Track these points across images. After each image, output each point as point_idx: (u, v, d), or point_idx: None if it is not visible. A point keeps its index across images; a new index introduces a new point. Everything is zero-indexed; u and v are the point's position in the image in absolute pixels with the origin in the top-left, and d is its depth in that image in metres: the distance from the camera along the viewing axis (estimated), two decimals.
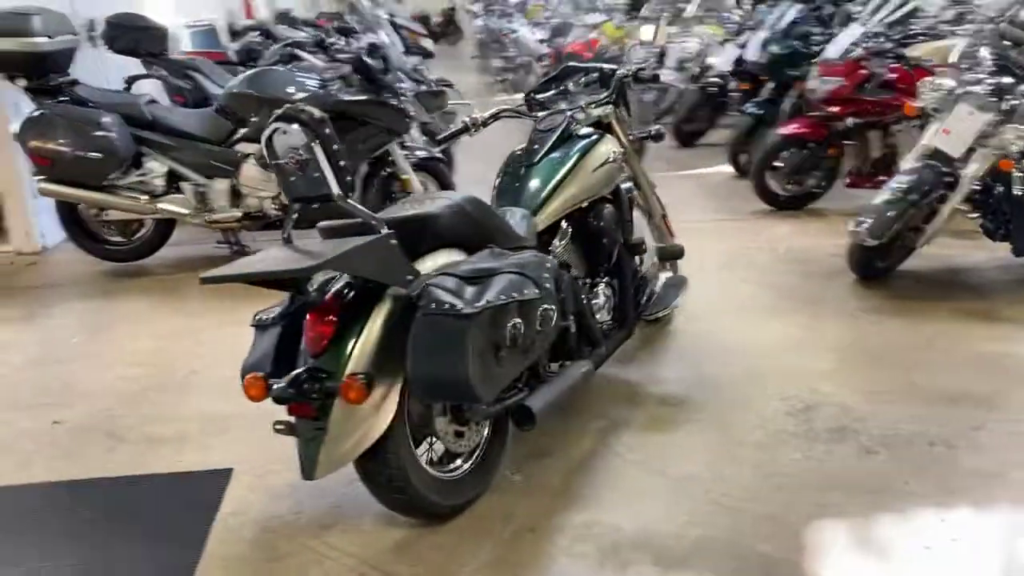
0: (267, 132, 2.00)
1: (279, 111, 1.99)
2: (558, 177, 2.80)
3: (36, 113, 4.06)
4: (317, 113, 1.96)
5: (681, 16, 9.28)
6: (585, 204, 2.89)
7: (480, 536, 2.27)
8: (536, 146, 2.91)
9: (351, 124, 4.22)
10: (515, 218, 2.66)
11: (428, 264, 2.14)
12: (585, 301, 2.80)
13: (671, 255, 3.29)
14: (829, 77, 4.96)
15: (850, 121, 4.96)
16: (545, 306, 2.11)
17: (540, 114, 3.06)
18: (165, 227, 4.54)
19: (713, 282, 4.12)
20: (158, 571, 2.19)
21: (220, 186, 4.30)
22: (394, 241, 1.99)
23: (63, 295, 4.38)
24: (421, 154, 4.58)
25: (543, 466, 2.60)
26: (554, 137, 2.92)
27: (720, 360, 3.26)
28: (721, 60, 7.15)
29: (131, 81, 5.21)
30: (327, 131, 1.95)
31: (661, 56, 8.79)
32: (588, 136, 2.97)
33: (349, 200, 2.00)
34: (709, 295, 3.90)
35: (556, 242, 2.77)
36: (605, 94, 3.15)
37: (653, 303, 3.13)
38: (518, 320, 2.02)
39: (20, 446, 2.86)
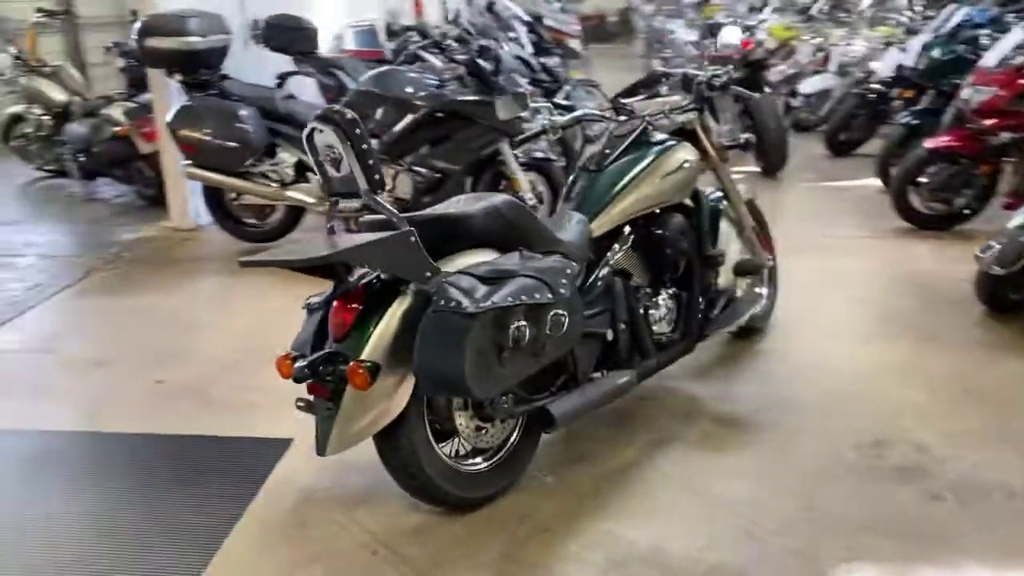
0: (306, 131, 2.14)
1: (320, 113, 2.12)
2: (620, 183, 2.77)
3: (184, 105, 4.51)
4: (349, 114, 2.07)
5: (851, 17, 8.76)
6: (655, 211, 2.84)
7: (495, 530, 2.31)
8: (607, 151, 2.89)
9: (463, 123, 4.36)
10: (569, 223, 2.67)
11: (455, 263, 2.19)
12: (643, 311, 2.76)
13: (746, 270, 3.15)
14: (984, 86, 4.51)
15: (1006, 136, 4.49)
16: (557, 311, 2.11)
17: (620, 119, 3.04)
18: (295, 213, 4.89)
19: (823, 301, 3.89)
20: (202, 523, 2.40)
21: None
22: (414, 238, 2.07)
23: (203, 269, 4.84)
24: (537, 155, 4.64)
25: (578, 471, 2.59)
26: (627, 142, 2.89)
27: (800, 382, 3.09)
28: (883, 65, 6.67)
29: (283, 77, 5.63)
30: (357, 131, 2.06)
31: (825, 59, 8.35)
32: (662, 142, 2.91)
33: (376, 197, 2.10)
34: (814, 314, 3.71)
35: (616, 248, 2.75)
36: (688, 100, 3.07)
37: (715, 321, 3.02)
38: (523, 323, 2.04)
39: (123, 399, 3.22)
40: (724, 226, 3.22)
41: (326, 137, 2.09)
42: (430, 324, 2.00)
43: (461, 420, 2.31)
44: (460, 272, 2.11)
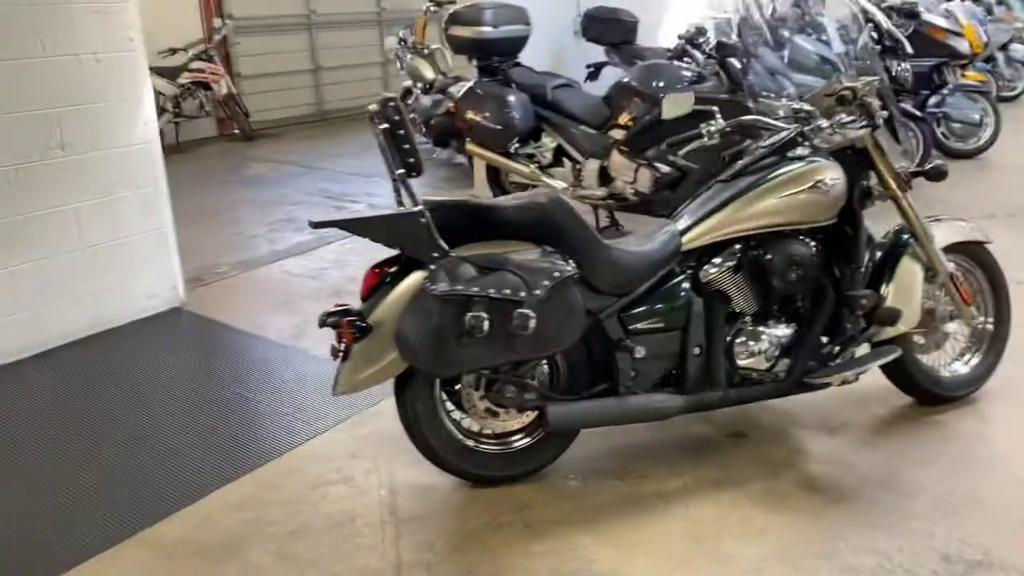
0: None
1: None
2: (724, 196, 2.55)
3: (468, 88, 5.06)
4: (391, 99, 2.29)
5: None
6: (780, 231, 2.55)
7: (485, 509, 2.42)
8: (741, 160, 2.66)
9: (704, 116, 4.20)
10: (659, 232, 2.55)
11: (476, 249, 2.29)
12: (730, 338, 2.53)
13: (882, 318, 2.62)
14: None
15: None
16: (523, 311, 2.09)
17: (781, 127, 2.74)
18: None
19: None
20: (282, 433, 2.90)
21: (592, 166, 4.75)
22: (424, 219, 2.23)
23: None
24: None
25: (607, 485, 2.53)
26: (761, 152, 2.63)
27: (945, 467, 2.53)
28: None
29: (594, 68, 5.92)
30: (395, 116, 2.27)
31: None
32: (803, 157, 2.58)
33: (405, 180, 2.29)
34: None
35: (710, 266, 2.55)
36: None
37: (826, 369, 2.58)
38: (483, 314, 2.08)
39: (301, 325, 3.88)
40: (911, 268, 2.73)
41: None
42: (414, 297, 2.17)
43: (473, 399, 2.43)
44: (466, 257, 2.22)
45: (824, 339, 2.66)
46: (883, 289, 2.71)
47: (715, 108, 2.82)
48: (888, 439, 2.72)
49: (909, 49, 6.04)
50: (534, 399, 2.39)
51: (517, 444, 2.51)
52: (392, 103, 2.31)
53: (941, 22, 7.14)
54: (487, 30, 5.01)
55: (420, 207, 2.25)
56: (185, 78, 8.23)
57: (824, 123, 2.66)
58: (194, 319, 4.05)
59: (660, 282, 2.52)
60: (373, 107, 2.31)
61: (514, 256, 2.22)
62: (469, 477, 2.50)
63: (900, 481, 2.48)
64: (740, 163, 2.67)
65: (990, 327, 2.97)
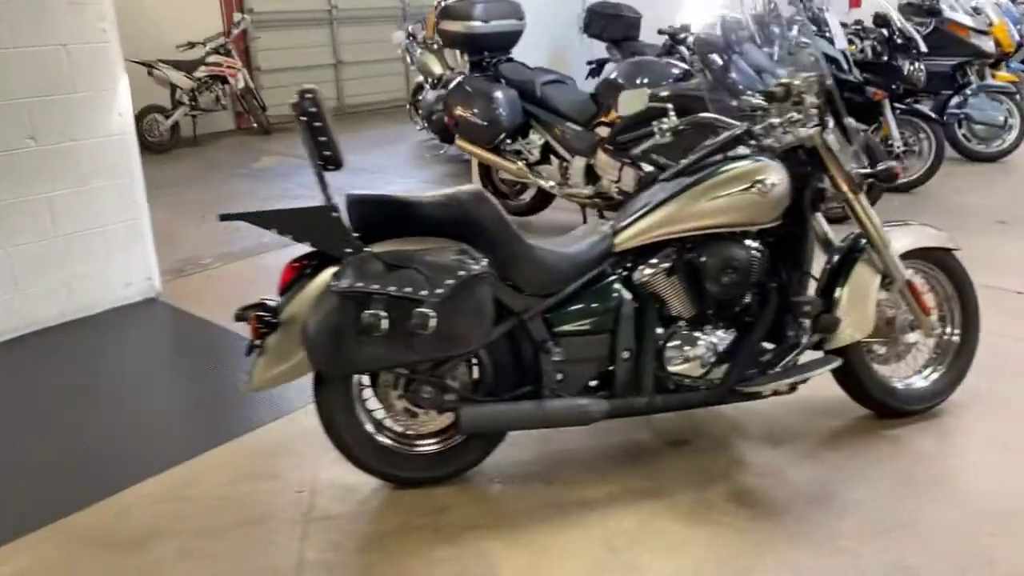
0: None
1: None
2: (661, 196, 2.47)
3: (456, 83, 5.00)
4: (309, 91, 2.25)
5: None
6: (719, 232, 2.45)
7: (398, 512, 2.38)
8: (684, 160, 2.57)
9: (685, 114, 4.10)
10: (592, 232, 2.48)
11: (393, 246, 2.24)
12: (661, 343, 2.44)
13: (823, 326, 2.50)
14: None
15: None
16: (423, 310, 2.03)
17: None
18: (545, 193, 5.11)
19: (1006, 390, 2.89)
20: (221, 426, 2.89)
21: (578, 164, 4.66)
22: (335, 214, 2.18)
23: None
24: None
25: (531, 491, 2.46)
26: (705, 151, 2.54)
27: (887, 485, 2.42)
28: None
29: (595, 64, 5.83)
30: (312, 108, 2.23)
31: None
32: (743, 157, 2.47)
33: (322, 173, 2.25)
34: (1008, 407, 2.79)
35: (644, 269, 2.46)
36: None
37: (759, 379, 2.47)
38: (381, 312, 2.03)
39: None
40: (865, 275, 2.61)
41: None
42: (318, 295, 2.13)
43: (391, 398, 2.38)
44: (377, 254, 2.18)
45: (770, 346, 2.57)
46: (837, 294, 2.60)
47: (669, 106, 2.73)
48: (834, 452, 2.60)
49: (923, 47, 5.83)
50: (452, 400, 2.34)
51: (438, 446, 2.46)
52: (309, 95, 2.27)
53: (964, 19, 6.88)
54: (477, 24, 4.95)
55: (331, 202, 2.20)
56: (202, 72, 8.33)
57: (776, 121, 2.56)
58: (167, 310, 4.07)
59: (590, 283, 2.44)
60: (293, 99, 2.28)
61: (426, 254, 2.17)
62: (388, 478, 2.46)
63: (835, 497, 2.37)
64: (683, 162, 2.58)
65: (955, 339, 2.83)
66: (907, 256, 2.70)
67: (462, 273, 2.10)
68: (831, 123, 2.53)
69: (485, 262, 2.20)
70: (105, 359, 3.55)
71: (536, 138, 4.89)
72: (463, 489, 2.47)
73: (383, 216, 2.28)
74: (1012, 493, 2.37)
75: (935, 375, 2.83)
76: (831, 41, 4.95)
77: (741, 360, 2.47)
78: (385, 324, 2.04)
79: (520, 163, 4.90)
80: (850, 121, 2.63)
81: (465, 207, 2.29)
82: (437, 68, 7.52)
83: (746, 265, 2.45)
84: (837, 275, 2.65)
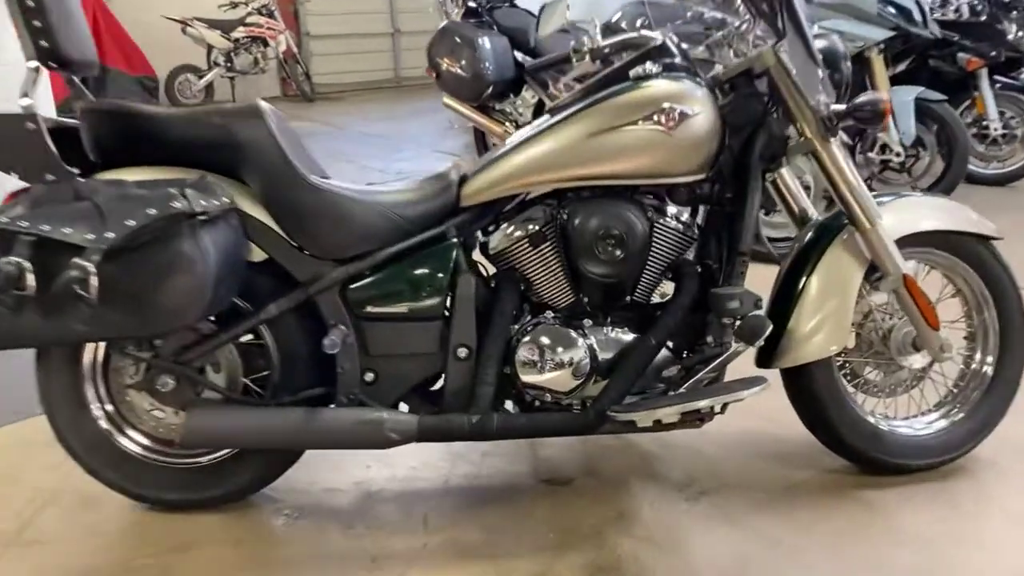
0: None
1: None
2: (523, 136, 1.72)
3: (441, 28, 4.31)
4: None
5: None
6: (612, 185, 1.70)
7: (124, 543, 1.74)
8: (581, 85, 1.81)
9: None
10: (441, 179, 1.76)
11: (119, 175, 1.59)
12: (515, 341, 1.70)
13: (743, 334, 1.67)
14: None
15: None
16: (80, 260, 1.36)
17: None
18: None
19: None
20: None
21: None
22: (33, 125, 1.54)
23: None
24: None
25: (319, 532, 1.77)
26: (607, 73, 1.77)
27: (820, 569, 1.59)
28: None
29: None
30: None
31: None
32: (647, 77, 1.69)
33: (37, 74, 1.62)
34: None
35: (501, 232, 1.74)
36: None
37: (636, 403, 1.68)
38: (23, 261, 1.37)
39: None
40: (842, 263, 1.79)
41: None
42: None
43: (125, 389, 1.74)
44: (80, 184, 1.53)
45: (685, 355, 1.78)
46: (799, 287, 1.79)
47: (594, 22, 1.97)
48: (773, 518, 1.78)
49: None
50: (198, 398, 1.68)
51: (201, 459, 1.80)
52: None
53: None
54: None
55: (29, 109, 1.57)
56: (240, 32, 7.98)
57: (718, 34, 1.77)
58: None
59: (420, 248, 1.73)
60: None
61: (132, 186, 1.50)
62: (132, 496, 1.82)
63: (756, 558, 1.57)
64: (578, 88, 1.82)
65: (987, 369, 1.95)
66: (913, 242, 1.85)
67: (152, 212, 1.41)
68: (790, 35, 1.70)
69: (221, 200, 1.53)
70: None
71: (529, 96, 4.17)
72: (232, 520, 1.80)
73: (122, 135, 1.63)
74: None
75: (949, 419, 1.95)
76: None
77: (625, 372, 1.69)
78: (31, 280, 1.39)
79: (508, 124, 4.18)
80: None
81: (225, 126, 1.61)
82: None
83: (639, 235, 1.67)
84: (803, 262, 1.83)
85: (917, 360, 1.90)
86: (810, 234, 1.86)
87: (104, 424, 1.76)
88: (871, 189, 4.22)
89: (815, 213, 1.93)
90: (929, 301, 1.82)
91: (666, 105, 1.63)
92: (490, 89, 4.13)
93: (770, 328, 1.67)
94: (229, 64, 7.99)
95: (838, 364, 1.90)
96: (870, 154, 4.06)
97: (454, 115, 4.60)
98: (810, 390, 1.84)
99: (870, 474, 1.91)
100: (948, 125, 3.97)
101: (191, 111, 1.65)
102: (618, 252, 1.66)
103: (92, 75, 1.75)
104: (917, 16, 3.91)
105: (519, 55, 4.15)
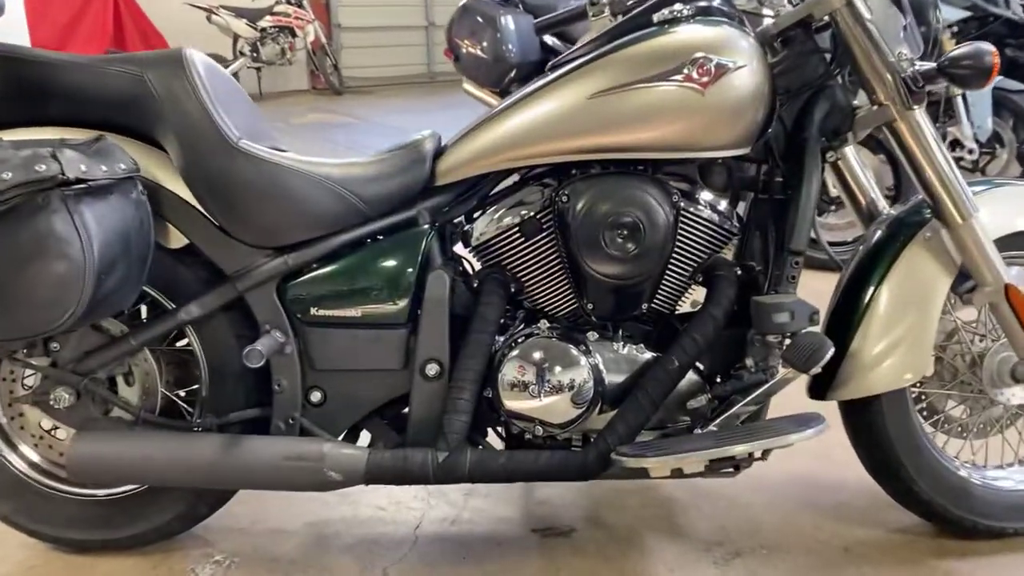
0: None
1: None
2: (516, 98, 1.35)
3: (462, 5, 3.95)
4: None
5: None
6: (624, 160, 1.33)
7: None
8: (583, 41, 1.44)
9: None
10: (402, 149, 1.40)
11: (16, 134, 1.27)
12: (500, 356, 1.33)
13: (797, 354, 1.27)
14: None
15: None
16: None
17: None
18: None
19: None
20: None
21: None
22: None
23: None
24: None
25: (259, 573, 1.42)
26: (632, 18, 1.39)
27: None
28: None
29: None
30: None
31: None
32: (675, 20, 1.30)
33: None
34: None
35: (487, 218, 1.37)
36: None
37: (645, 446, 1.29)
38: None
39: None
40: (923, 268, 1.39)
41: None
42: None
43: (17, 402, 1.42)
44: None
45: (718, 382, 1.39)
46: (865, 298, 1.39)
47: None
48: None
49: None
50: (96, 417, 1.34)
51: (113, 491, 1.46)
52: None
53: None
54: None
55: None
56: (267, 21, 7.73)
57: None
58: None
59: (378, 236, 1.37)
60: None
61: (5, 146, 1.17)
62: (26, 531, 1.48)
63: None
64: (586, 39, 1.44)
65: None
66: (1015, 244, 1.44)
67: (7, 176, 1.07)
68: None
69: (115, 167, 1.19)
70: None
71: None
72: (149, 567, 1.46)
73: (16, 85, 1.30)
74: None
75: None
76: None
77: (639, 402, 1.31)
78: None
79: None
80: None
81: (137, 75, 1.28)
82: None
83: (659, 226, 1.29)
84: (871, 267, 1.43)
85: (1017, 394, 1.49)
86: (881, 231, 1.46)
87: None
88: None
89: (886, 207, 1.54)
90: None
91: (699, 55, 1.25)
92: (513, 72, 3.76)
93: (831, 350, 1.27)
94: (255, 54, 7.74)
95: (913, 397, 1.51)
96: None
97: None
98: (877, 429, 1.44)
99: (953, 537, 1.50)
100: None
101: (99, 57, 1.32)
102: (631, 246, 1.28)
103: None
104: None
105: (547, 37, 3.78)
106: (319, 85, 8.69)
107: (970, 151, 3.51)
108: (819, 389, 1.43)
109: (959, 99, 3.49)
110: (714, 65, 1.24)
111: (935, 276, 1.41)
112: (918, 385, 1.51)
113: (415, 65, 9.51)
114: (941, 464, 1.48)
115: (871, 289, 1.41)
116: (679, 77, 1.25)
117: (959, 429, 1.55)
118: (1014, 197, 1.49)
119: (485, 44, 3.79)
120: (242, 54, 7.68)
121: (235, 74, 7.67)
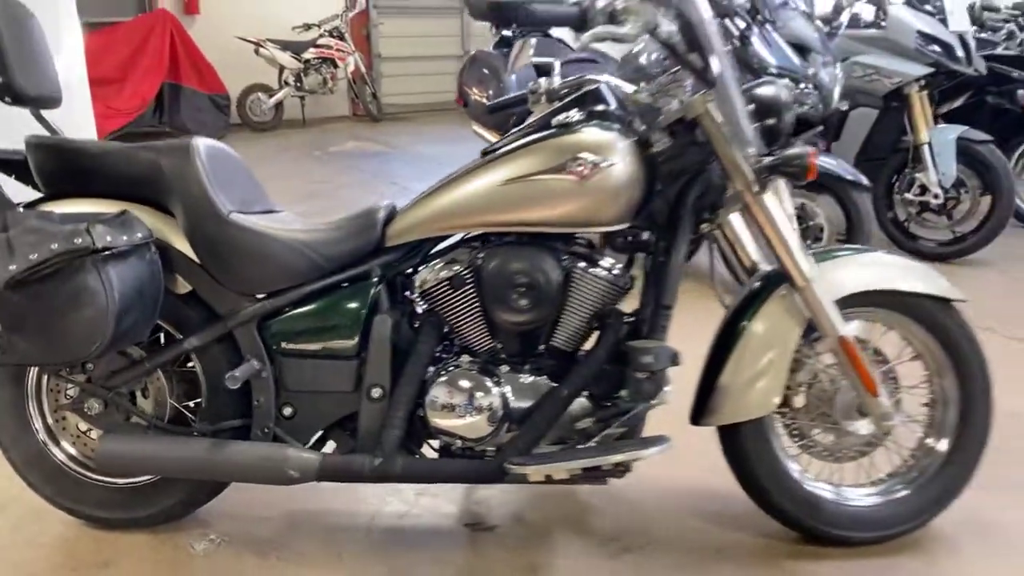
0: None
1: None
2: (453, 175, 1.72)
3: (468, 58, 4.34)
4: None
5: None
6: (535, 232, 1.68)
7: (40, 557, 1.80)
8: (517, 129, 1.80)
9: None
10: (357, 216, 1.78)
11: (60, 206, 1.68)
12: (428, 381, 1.70)
13: (643, 389, 1.60)
14: None
15: None
16: None
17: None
18: None
19: None
20: None
21: None
22: None
23: None
24: (827, 164, 3.15)
25: (238, 559, 1.80)
26: (540, 119, 1.76)
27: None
28: None
29: None
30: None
31: None
32: (568, 125, 1.66)
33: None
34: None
35: (427, 272, 1.73)
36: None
37: (529, 457, 1.63)
38: None
39: None
40: (777, 320, 1.72)
41: None
42: None
43: (60, 409, 1.83)
44: (21, 215, 1.61)
45: (605, 405, 1.73)
46: (735, 341, 1.72)
47: (554, 62, 1.97)
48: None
49: None
50: (121, 423, 1.74)
51: (117, 480, 1.86)
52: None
53: None
54: None
55: None
56: (310, 53, 8.26)
57: (658, 80, 1.74)
58: None
59: (336, 287, 1.75)
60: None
61: (53, 218, 1.58)
62: (68, 511, 1.89)
63: None
64: (514, 131, 1.80)
65: (941, 447, 1.82)
66: (863, 301, 1.75)
67: (54, 247, 1.48)
68: (720, 83, 1.64)
69: (135, 235, 1.59)
70: None
71: None
72: (158, 542, 1.85)
73: (63, 168, 1.73)
74: None
75: (898, 491, 1.83)
76: (943, 21, 3.78)
77: (535, 422, 1.66)
78: None
79: None
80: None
81: (154, 161, 1.68)
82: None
83: (549, 284, 1.64)
84: (741, 314, 1.76)
85: (863, 426, 1.79)
86: (753, 286, 1.79)
87: (42, 441, 1.85)
88: (907, 232, 3.97)
89: (766, 266, 1.86)
90: (868, 366, 1.72)
91: (581, 155, 1.60)
92: (514, 118, 4.14)
93: (664, 390, 1.61)
94: (299, 84, 8.28)
95: (785, 423, 1.83)
96: (907, 195, 3.87)
97: None
98: (741, 448, 1.77)
99: (810, 543, 1.81)
100: (992, 168, 3.74)
101: (126, 147, 1.72)
102: (525, 301, 1.63)
103: (55, 108, 1.85)
104: (959, 52, 3.70)
105: None
106: (359, 112, 9.20)
107: (935, 196, 3.77)
108: (697, 416, 1.76)
109: (926, 148, 3.76)
110: (590, 163, 1.59)
111: (788, 326, 1.72)
112: (787, 414, 1.83)
113: (450, 93, 9.94)
114: (795, 481, 1.79)
115: (737, 335, 1.74)
116: (565, 172, 1.60)
117: (824, 452, 1.86)
118: (863, 263, 1.79)
119: (491, 92, 4.17)
120: (287, 84, 8.22)
121: (280, 102, 8.23)
